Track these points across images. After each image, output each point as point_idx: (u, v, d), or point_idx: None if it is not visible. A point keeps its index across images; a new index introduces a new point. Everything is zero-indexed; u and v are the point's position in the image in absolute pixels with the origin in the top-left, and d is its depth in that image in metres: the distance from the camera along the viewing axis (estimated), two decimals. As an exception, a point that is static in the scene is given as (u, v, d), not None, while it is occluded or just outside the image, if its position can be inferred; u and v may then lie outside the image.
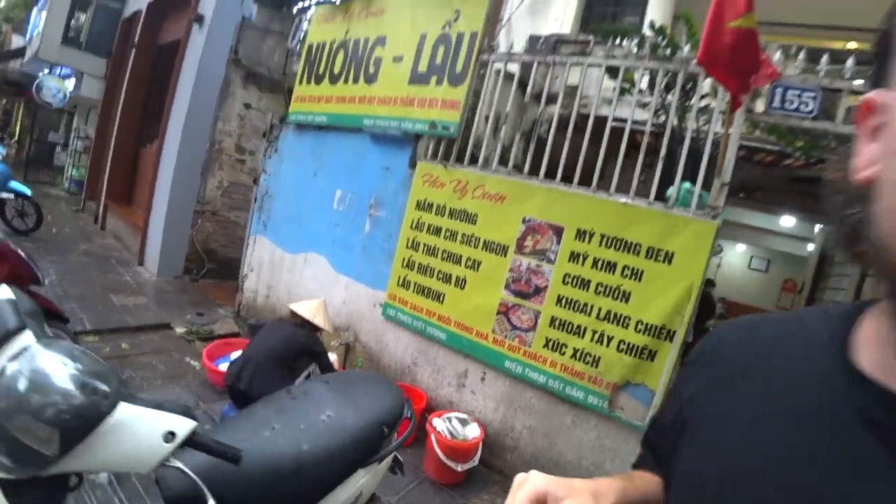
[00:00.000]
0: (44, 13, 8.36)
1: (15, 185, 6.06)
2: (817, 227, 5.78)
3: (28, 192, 6.16)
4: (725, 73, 2.27)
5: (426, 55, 3.27)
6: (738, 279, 10.10)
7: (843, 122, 2.56)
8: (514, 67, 3.27)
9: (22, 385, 0.81)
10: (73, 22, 8.39)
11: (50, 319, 2.68)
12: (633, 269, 2.52)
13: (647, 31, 3.66)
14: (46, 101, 8.43)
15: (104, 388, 0.84)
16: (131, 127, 7.42)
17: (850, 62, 2.85)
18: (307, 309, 2.76)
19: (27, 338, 0.86)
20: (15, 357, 0.83)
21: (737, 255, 10.23)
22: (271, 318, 3.98)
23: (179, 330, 4.19)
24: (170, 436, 0.86)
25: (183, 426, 0.88)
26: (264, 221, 4.43)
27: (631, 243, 2.53)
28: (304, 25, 5.21)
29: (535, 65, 3.03)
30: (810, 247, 7.25)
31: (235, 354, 2.96)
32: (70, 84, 8.72)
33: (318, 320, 2.75)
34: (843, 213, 0.38)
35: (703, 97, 2.89)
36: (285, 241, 4.17)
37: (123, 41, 8.14)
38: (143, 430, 0.85)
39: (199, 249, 5.71)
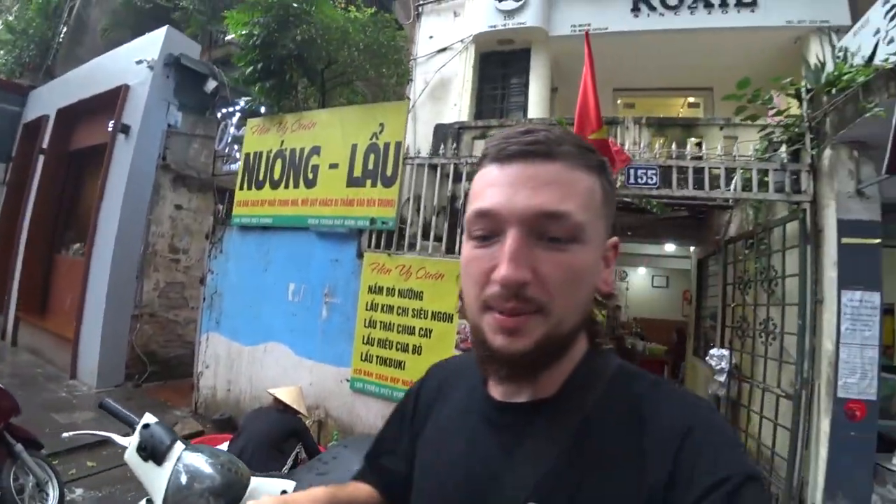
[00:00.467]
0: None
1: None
2: (691, 248, 7.09)
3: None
4: (590, 169, 3.15)
5: (359, 162, 3.93)
6: (645, 298, 11.53)
7: (677, 188, 3.57)
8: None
9: (184, 479, 1.27)
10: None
11: (28, 448, 2.86)
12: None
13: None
14: (-65, 215, 7.92)
15: (239, 467, 1.31)
16: (44, 233, 7.22)
17: (677, 147, 3.94)
18: (288, 395, 3.15)
19: (179, 447, 1.32)
20: (175, 461, 1.29)
21: (640, 277, 11.72)
22: (235, 412, 4.22)
23: (140, 439, 4.25)
24: (283, 492, 1.34)
25: (290, 485, 1.36)
26: (216, 318, 4.69)
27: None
28: (231, 129, 5.73)
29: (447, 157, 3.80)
30: (688, 262, 8.69)
31: (221, 447, 3.25)
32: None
33: (300, 405, 3.15)
34: None
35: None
36: (241, 334, 4.47)
37: (27, 145, 7.97)
38: (271, 490, 1.33)
39: (139, 353, 5.70)
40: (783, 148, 3.48)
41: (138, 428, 1.36)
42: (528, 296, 0.49)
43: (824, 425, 3.05)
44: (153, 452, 1.31)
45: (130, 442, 1.35)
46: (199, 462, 1.31)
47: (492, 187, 0.52)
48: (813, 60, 5.45)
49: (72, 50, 8.91)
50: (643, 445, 0.50)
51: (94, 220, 5.84)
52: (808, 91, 3.45)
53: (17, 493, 2.68)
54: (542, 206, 0.49)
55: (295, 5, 4.09)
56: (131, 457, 1.33)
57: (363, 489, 0.78)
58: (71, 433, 1.71)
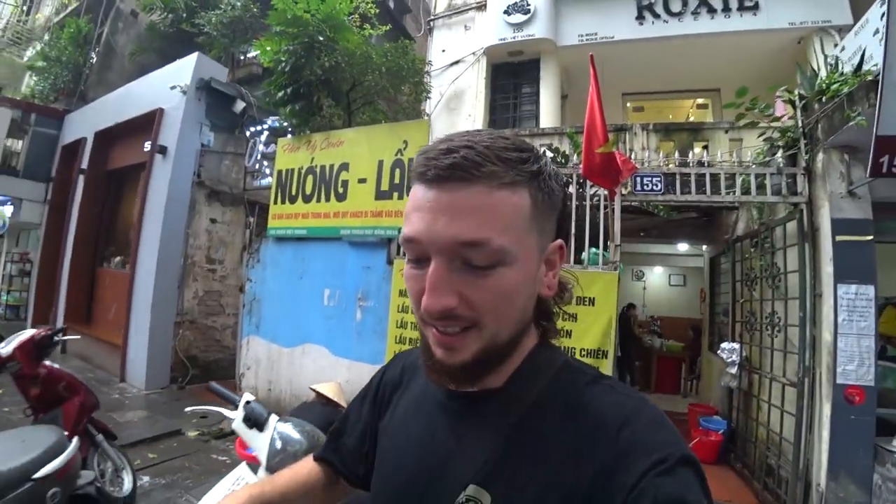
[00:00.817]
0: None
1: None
2: (703, 246, 7.32)
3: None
4: (600, 179, 3.48)
5: (386, 176, 4.31)
6: (664, 297, 11.71)
7: (682, 192, 3.87)
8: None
9: (279, 444, 1.63)
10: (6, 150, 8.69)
11: (106, 439, 3.28)
12: (569, 314, 3.57)
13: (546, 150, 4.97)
14: (-15, 232, 8.55)
15: (318, 435, 1.68)
16: (87, 248, 7.76)
17: (685, 150, 4.24)
18: (330, 390, 3.52)
19: (273, 418, 1.69)
20: (273, 430, 1.66)
21: (657, 276, 11.91)
22: (276, 409, 4.62)
23: (192, 433, 4.68)
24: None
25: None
26: (256, 323, 5.11)
27: (563, 298, 3.60)
28: (259, 147, 6.18)
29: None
30: (702, 260, 8.89)
31: None
32: (8, 211, 8.88)
33: (340, 399, 3.51)
34: None
35: (593, 187, 4.13)
36: (280, 337, 4.88)
37: (66, 166, 8.57)
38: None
39: (182, 358, 6.16)
40: (780, 153, 3.77)
41: (241, 403, 1.73)
42: (457, 315, 0.51)
43: (826, 410, 3.32)
44: (255, 422, 1.68)
45: (237, 415, 1.72)
46: (290, 430, 1.67)
47: (416, 212, 0.52)
48: (814, 61, 5.74)
49: (102, 74, 9.51)
50: (582, 435, 0.53)
51: (137, 234, 6.33)
52: (801, 99, 3.73)
53: (99, 476, 3.09)
54: (458, 236, 0.50)
55: (321, 38, 4.49)
56: (239, 426, 1.70)
57: (302, 474, 0.82)
58: (191, 408, 2.10)
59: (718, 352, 4.95)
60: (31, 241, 10.53)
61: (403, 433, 0.69)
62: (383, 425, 0.74)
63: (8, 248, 10.38)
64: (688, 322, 9.85)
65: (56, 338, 3.11)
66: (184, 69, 6.45)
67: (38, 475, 2.13)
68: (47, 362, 3.05)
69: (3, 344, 3.02)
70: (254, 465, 1.74)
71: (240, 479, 1.78)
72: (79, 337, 4.57)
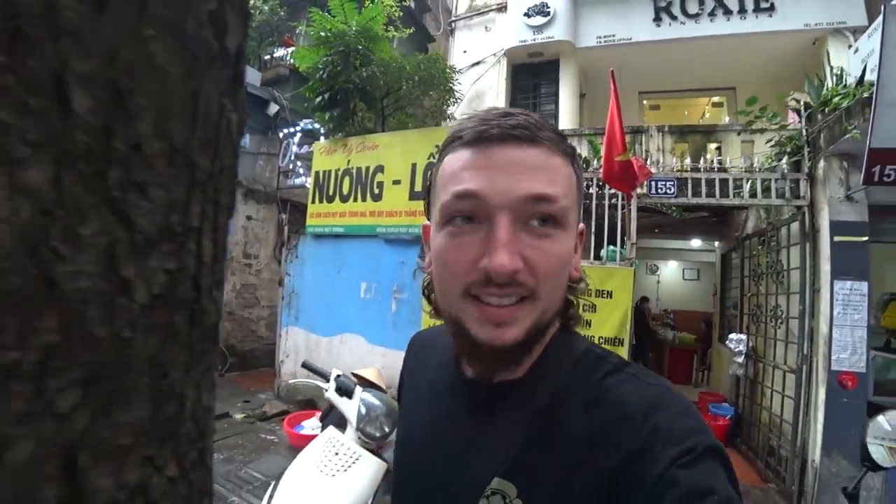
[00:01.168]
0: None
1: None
2: (716, 242, 7.67)
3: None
4: (619, 184, 3.88)
5: (419, 178, 4.74)
6: (677, 290, 12.06)
7: (692, 196, 4.26)
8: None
9: (363, 409, 2.10)
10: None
11: None
12: (590, 305, 3.97)
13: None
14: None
15: (393, 402, 2.14)
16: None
17: (693, 155, 4.62)
18: (371, 374, 3.98)
19: (358, 389, 2.15)
20: (359, 398, 2.13)
21: (671, 270, 12.25)
22: (314, 394, 5.12)
23: (238, 416, 5.21)
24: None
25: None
26: (294, 315, 5.61)
27: (588, 289, 4.04)
28: (293, 148, 6.65)
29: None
30: (713, 255, 9.22)
31: (309, 421, 4.19)
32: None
33: (381, 383, 3.98)
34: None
35: (612, 190, 4.53)
36: (318, 327, 5.37)
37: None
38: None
39: (221, 348, 6.69)
40: (785, 159, 4.13)
41: (332, 377, 2.19)
42: (519, 281, 0.50)
43: (822, 394, 3.73)
44: (345, 391, 2.14)
45: (330, 386, 2.18)
46: (371, 398, 2.13)
47: (471, 170, 0.51)
48: (828, 62, 5.99)
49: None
50: (606, 424, 0.51)
51: (179, 231, 6.84)
52: (806, 108, 4.09)
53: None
54: (531, 190, 0.50)
55: (360, 47, 4.92)
56: (332, 395, 2.16)
57: None
58: (291, 381, 2.58)
59: (727, 342, 5.35)
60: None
61: (419, 423, 0.68)
62: (402, 412, 0.76)
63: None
64: (701, 315, 10.22)
65: None
66: (220, 74, 6.91)
67: None
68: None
69: None
70: (341, 426, 2.19)
71: (331, 438, 2.22)
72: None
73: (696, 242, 8.52)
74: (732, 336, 5.27)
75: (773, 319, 4.48)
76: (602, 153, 3.87)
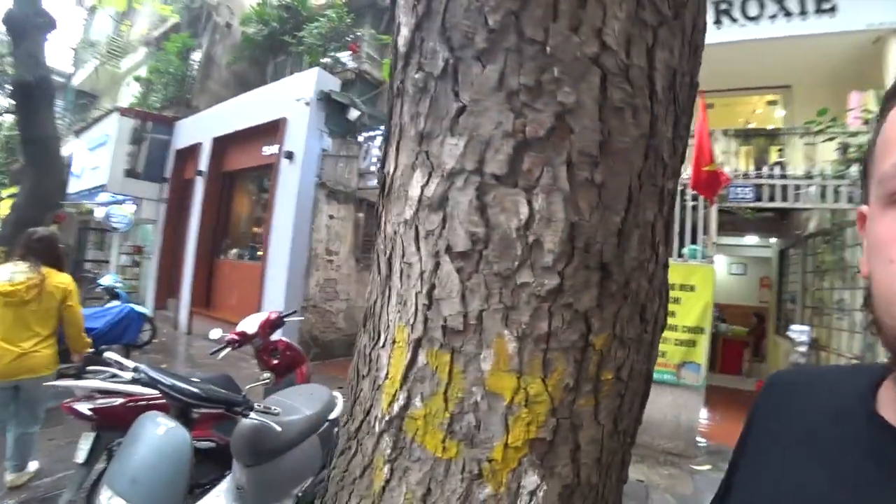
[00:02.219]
0: (104, 152, 10.19)
1: (141, 309, 7.75)
2: (772, 239, 8.19)
3: (148, 312, 7.84)
4: (704, 191, 4.52)
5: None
6: (724, 285, 12.46)
7: (768, 200, 4.87)
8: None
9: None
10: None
11: None
12: (675, 298, 4.64)
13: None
14: (113, 227, 10.19)
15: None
16: (206, 242, 9.24)
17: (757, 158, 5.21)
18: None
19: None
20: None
21: (718, 265, 12.58)
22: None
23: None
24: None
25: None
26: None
27: (672, 283, 4.68)
28: (373, 150, 7.41)
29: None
30: (770, 251, 9.67)
31: None
32: (132, 210, 10.48)
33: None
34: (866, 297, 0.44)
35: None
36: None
37: (180, 168, 10.14)
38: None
39: (306, 338, 7.52)
40: (855, 166, 4.71)
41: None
42: None
43: (887, 378, 4.32)
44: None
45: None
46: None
47: None
48: (891, 61, 6.39)
49: (204, 83, 10.95)
50: None
51: (267, 230, 7.69)
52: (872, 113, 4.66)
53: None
54: None
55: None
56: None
57: None
58: None
59: (788, 333, 5.93)
60: (140, 236, 12.21)
61: (790, 481, 0.48)
62: (750, 461, 0.56)
63: (121, 241, 12.09)
64: (747, 309, 10.73)
65: (286, 319, 3.84)
66: (305, 82, 7.68)
67: (331, 416, 2.69)
68: (279, 337, 3.79)
69: (246, 323, 3.61)
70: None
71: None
72: (303, 318, 6.21)
73: (750, 239, 9.04)
74: (794, 327, 5.84)
75: (839, 311, 5.06)
76: (692, 166, 4.50)
